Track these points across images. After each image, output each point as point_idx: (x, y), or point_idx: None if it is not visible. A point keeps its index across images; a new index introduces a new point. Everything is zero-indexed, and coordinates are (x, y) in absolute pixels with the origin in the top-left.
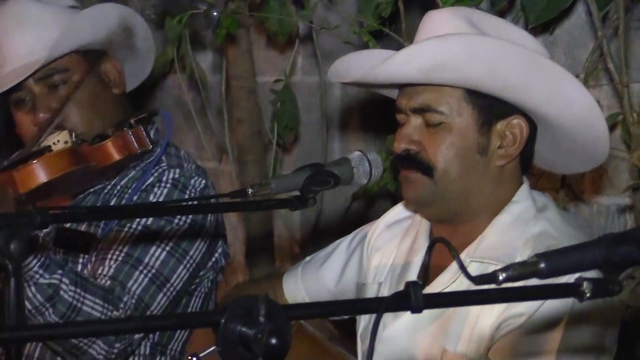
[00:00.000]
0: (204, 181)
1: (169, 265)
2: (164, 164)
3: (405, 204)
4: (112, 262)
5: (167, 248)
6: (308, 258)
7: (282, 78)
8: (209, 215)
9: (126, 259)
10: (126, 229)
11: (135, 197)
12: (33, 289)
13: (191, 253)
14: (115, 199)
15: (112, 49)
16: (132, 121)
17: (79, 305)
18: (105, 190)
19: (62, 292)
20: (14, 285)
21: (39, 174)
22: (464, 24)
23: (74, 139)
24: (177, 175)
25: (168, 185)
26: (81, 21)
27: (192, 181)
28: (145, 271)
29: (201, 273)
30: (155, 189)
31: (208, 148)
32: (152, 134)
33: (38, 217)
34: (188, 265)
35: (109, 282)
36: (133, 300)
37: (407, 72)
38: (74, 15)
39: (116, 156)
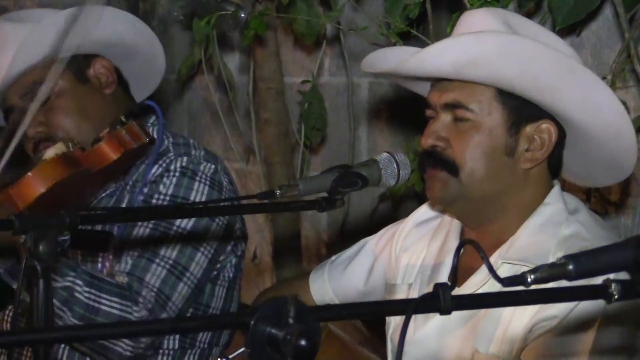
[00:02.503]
0: (213, 166)
1: (186, 254)
2: (171, 154)
3: (430, 203)
4: (128, 258)
5: (183, 237)
6: (334, 257)
7: (310, 79)
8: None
9: (142, 253)
10: (139, 223)
11: (145, 189)
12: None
13: (208, 239)
14: (128, 195)
15: (104, 52)
16: (122, 118)
17: (96, 305)
18: (118, 192)
19: (77, 294)
20: (42, 286)
21: (35, 185)
22: (499, 24)
23: (70, 148)
24: (184, 163)
25: (177, 173)
26: (43, 31)
27: (201, 167)
28: (162, 263)
29: (221, 258)
30: (165, 179)
31: (235, 149)
32: (156, 130)
33: (67, 219)
34: (206, 252)
35: (126, 279)
36: (152, 293)
37: (440, 65)
38: (35, 27)
39: (113, 155)
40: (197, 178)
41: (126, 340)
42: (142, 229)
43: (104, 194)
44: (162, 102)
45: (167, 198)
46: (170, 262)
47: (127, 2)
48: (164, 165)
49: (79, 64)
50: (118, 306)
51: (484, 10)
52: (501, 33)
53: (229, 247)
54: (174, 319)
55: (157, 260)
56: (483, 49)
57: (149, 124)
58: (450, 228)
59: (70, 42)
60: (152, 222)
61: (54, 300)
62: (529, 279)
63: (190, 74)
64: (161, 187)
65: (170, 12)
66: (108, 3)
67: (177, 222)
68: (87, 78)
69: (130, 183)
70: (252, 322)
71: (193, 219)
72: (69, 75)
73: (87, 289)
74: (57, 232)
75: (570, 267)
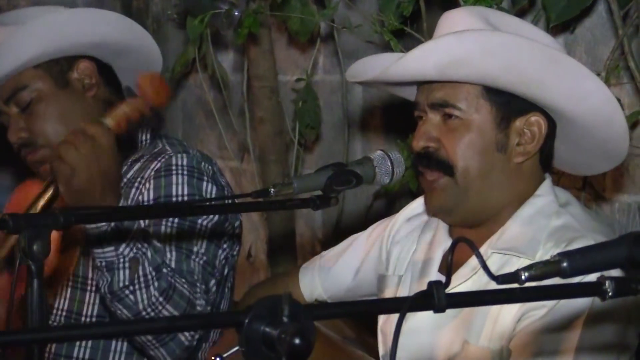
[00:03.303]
0: (211, 167)
1: (210, 251)
2: (169, 151)
3: (427, 211)
4: (168, 254)
5: (207, 235)
6: (324, 253)
7: (304, 77)
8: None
9: (179, 249)
10: (164, 221)
11: (148, 185)
12: (146, 256)
13: (224, 238)
14: (122, 192)
15: (92, 52)
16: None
17: (174, 282)
18: None
19: (164, 269)
20: (36, 286)
21: None
22: (480, 22)
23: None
24: (186, 161)
25: (185, 172)
26: (24, 36)
27: (202, 166)
28: (197, 259)
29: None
30: (173, 177)
31: (230, 147)
32: (148, 131)
33: (61, 218)
34: (222, 250)
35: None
36: (204, 286)
37: (423, 68)
38: (13, 33)
39: None
40: (205, 178)
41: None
42: (169, 227)
43: None
44: None
45: (186, 198)
46: (205, 258)
47: (121, 0)
48: (162, 160)
49: (61, 67)
50: (188, 287)
51: (464, 10)
52: (482, 31)
53: (227, 246)
54: (169, 318)
55: (193, 257)
56: (465, 48)
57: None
58: (439, 221)
59: (52, 46)
60: (177, 220)
61: (146, 266)
62: (523, 277)
63: (184, 72)
64: (174, 188)
65: (164, 10)
66: (103, 1)
67: (199, 220)
68: (68, 82)
69: (125, 180)
70: (247, 321)
71: (215, 218)
72: (49, 80)
73: (168, 268)
74: (50, 231)
75: (565, 264)
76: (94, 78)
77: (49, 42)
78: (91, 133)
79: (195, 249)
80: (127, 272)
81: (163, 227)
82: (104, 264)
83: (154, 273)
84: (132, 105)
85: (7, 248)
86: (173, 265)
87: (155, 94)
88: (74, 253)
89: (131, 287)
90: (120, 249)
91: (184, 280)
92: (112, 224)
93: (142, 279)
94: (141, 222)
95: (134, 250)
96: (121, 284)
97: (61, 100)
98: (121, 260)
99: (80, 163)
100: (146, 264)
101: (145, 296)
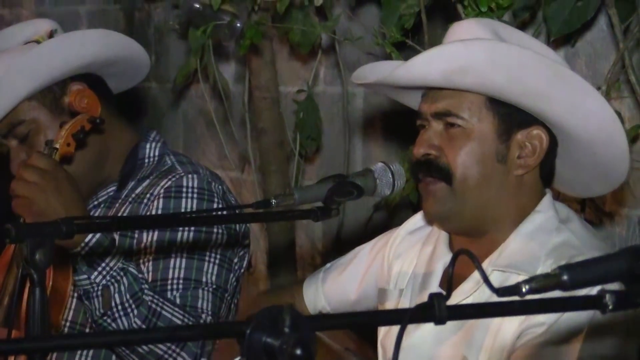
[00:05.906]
0: (220, 187)
1: (222, 276)
2: (179, 171)
3: (425, 217)
4: (175, 290)
5: (217, 262)
6: (328, 265)
7: (305, 88)
8: None
9: (187, 281)
10: (173, 254)
11: (155, 202)
12: (122, 283)
13: (235, 260)
14: (130, 207)
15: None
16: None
17: (157, 309)
18: (117, 204)
19: (144, 296)
20: (38, 294)
21: None
22: (488, 34)
23: None
24: (196, 182)
25: (195, 196)
26: (7, 80)
27: (213, 187)
28: (206, 288)
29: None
30: (183, 201)
31: (230, 158)
32: (158, 146)
33: (63, 227)
34: (234, 272)
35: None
36: (209, 315)
37: (430, 74)
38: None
39: None
40: (215, 199)
41: (184, 355)
42: (185, 235)
43: (95, 202)
44: (158, 110)
45: None
46: (214, 286)
47: (124, 11)
48: (173, 179)
49: (54, 94)
50: (181, 314)
51: (473, 21)
52: (490, 40)
53: (237, 267)
54: (171, 328)
55: (202, 287)
56: (472, 56)
57: (150, 138)
58: (439, 235)
59: (43, 77)
60: (186, 252)
61: (123, 294)
62: (524, 289)
63: (185, 83)
64: (183, 210)
65: (166, 21)
66: (105, 10)
67: (208, 251)
68: (63, 108)
69: (133, 196)
70: (248, 331)
71: (224, 243)
72: (44, 110)
73: (151, 292)
74: (52, 241)
75: (565, 277)
76: (90, 100)
77: (39, 76)
78: (33, 163)
79: (204, 279)
80: (100, 300)
81: (172, 260)
82: (81, 292)
83: (131, 301)
84: (73, 123)
85: None
86: (178, 301)
87: (88, 107)
88: (69, 264)
89: (112, 316)
90: (92, 277)
91: (175, 308)
92: (88, 247)
93: (119, 307)
94: (152, 250)
95: (107, 278)
96: (98, 313)
97: (58, 128)
98: (95, 288)
99: (33, 191)
100: (123, 292)
101: (126, 324)
